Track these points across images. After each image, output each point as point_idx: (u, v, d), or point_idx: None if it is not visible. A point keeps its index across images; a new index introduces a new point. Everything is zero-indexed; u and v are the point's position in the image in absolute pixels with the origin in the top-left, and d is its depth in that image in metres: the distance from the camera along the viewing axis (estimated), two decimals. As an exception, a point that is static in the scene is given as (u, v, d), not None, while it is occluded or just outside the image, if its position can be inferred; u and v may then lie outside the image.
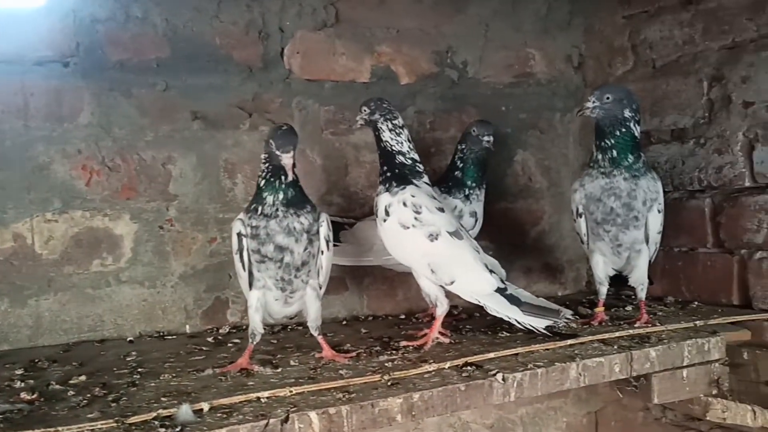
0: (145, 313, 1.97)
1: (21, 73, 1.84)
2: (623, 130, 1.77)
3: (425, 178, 1.74)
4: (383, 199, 1.70)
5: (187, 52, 2.00)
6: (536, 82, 2.51)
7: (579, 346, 1.66)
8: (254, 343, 1.58)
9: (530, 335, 1.71)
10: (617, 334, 1.74)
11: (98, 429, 1.19)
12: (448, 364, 1.53)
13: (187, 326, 2.01)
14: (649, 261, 1.90)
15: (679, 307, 2.08)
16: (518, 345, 1.65)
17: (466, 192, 2.04)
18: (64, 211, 1.89)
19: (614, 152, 1.77)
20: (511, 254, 2.42)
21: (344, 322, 2.12)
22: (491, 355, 1.59)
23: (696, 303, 2.09)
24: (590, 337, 1.71)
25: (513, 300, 1.68)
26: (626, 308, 2.05)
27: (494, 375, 1.46)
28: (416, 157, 1.74)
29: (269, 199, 1.52)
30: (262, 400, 1.33)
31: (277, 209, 1.51)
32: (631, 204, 1.77)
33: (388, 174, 1.72)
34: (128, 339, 1.92)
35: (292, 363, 1.59)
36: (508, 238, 2.45)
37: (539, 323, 1.67)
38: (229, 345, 1.82)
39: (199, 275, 2.03)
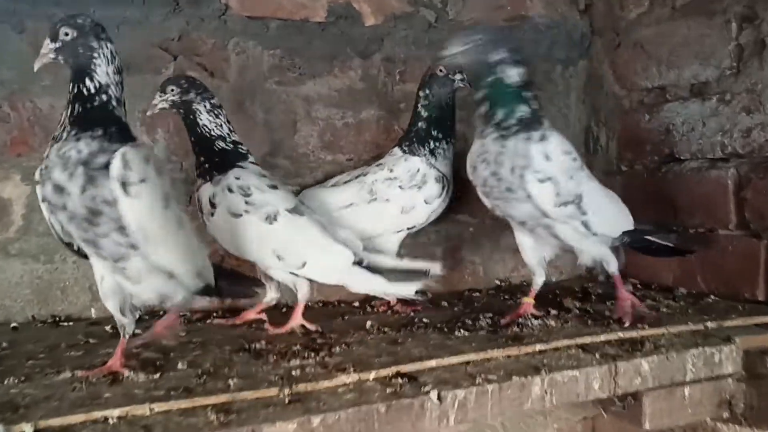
0: (39, 294, 1.67)
1: None
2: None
3: (251, 158, 1.57)
4: (205, 191, 1.51)
5: (96, -23, 1.66)
6: (533, 27, 2.16)
7: (550, 354, 1.32)
8: (126, 337, 1.24)
9: (491, 335, 1.37)
10: (602, 337, 1.39)
11: None
12: (373, 375, 1.20)
13: (93, 309, 1.70)
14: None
15: (691, 301, 1.73)
16: (473, 349, 1.31)
17: (431, 146, 1.73)
18: (-62, 170, 1.59)
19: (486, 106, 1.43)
20: (497, 231, 2.10)
21: (284, 310, 1.77)
22: (432, 363, 1.25)
23: (712, 297, 1.74)
24: (567, 342, 1.35)
25: (374, 270, 1.50)
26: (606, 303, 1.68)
27: (427, 393, 1.12)
28: (238, 139, 1.56)
29: (63, 115, 1.16)
30: (109, 421, 1.02)
31: (63, 129, 1.14)
32: (499, 172, 1.42)
33: (207, 165, 1.52)
34: (12, 325, 1.60)
35: (179, 366, 1.25)
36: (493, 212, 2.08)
37: (408, 290, 1.49)
38: (129, 335, 1.49)
39: (108, 249, 1.70)
